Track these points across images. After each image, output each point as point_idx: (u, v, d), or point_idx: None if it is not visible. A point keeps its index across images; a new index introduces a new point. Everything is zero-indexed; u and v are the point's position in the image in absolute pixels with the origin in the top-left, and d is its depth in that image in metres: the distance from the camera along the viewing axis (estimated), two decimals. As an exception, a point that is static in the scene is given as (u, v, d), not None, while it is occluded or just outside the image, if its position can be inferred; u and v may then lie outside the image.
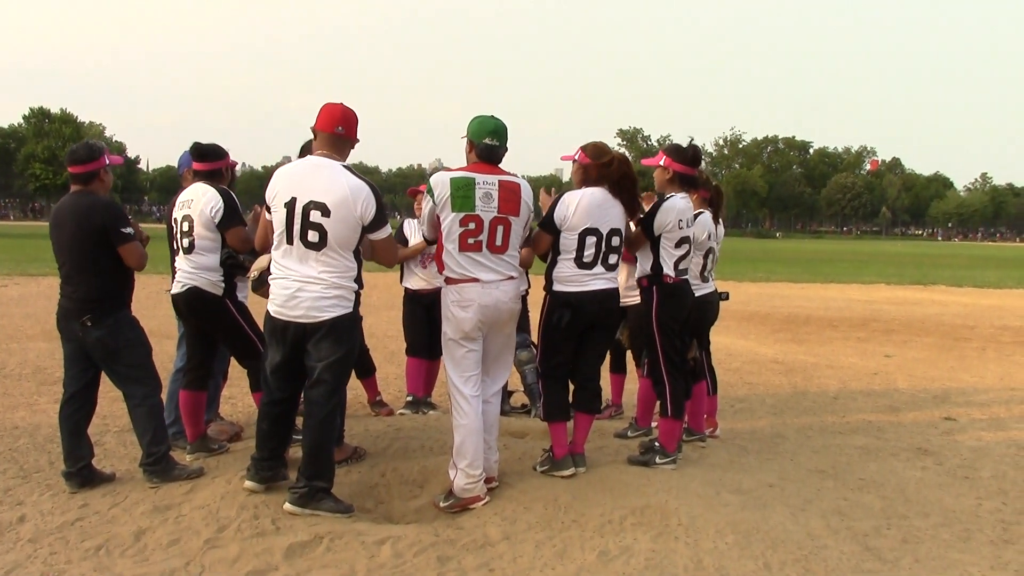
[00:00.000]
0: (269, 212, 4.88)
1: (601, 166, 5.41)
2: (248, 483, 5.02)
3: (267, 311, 4.91)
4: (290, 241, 4.75)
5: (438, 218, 4.99)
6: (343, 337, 4.82)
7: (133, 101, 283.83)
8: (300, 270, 4.74)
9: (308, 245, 4.71)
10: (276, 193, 4.80)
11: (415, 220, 7.67)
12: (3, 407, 7.47)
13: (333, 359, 4.79)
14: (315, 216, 4.68)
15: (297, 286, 4.73)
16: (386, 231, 4.87)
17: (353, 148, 5.04)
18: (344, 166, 4.85)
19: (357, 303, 4.93)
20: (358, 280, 4.90)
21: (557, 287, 5.40)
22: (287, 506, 4.80)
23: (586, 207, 5.30)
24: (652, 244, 5.72)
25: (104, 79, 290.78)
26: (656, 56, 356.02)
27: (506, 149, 5.17)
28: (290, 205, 4.72)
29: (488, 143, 5.07)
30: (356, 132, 5.00)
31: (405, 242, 7.64)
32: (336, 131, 4.87)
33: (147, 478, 5.30)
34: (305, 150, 5.75)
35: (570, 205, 5.31)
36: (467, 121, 5.17)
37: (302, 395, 5.08)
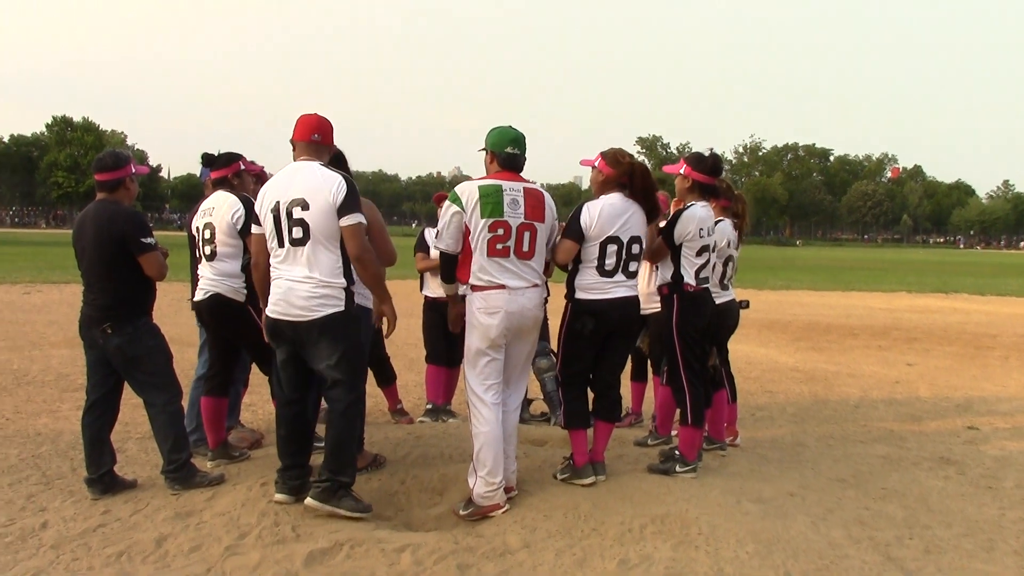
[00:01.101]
0: (259, 224, 5.00)
1: (620, 173, 5.42)
2: (278, 495, 5.04)
3: (266, 313, 5.00)
4: (281, 244, 4.88)
5: (467, 227, 5.01)
6: (339, 334, 4.87)
7: (155, 109, 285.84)
8: (291, 270, 4.85)
9: (294, 242, 4.82)
10: (262, 203, 4.96)
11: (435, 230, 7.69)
12: (26, 414, 7.53)
13: (337, 357, 4.85)
14: (297, 212, 4.80)
15: (288, 286, 4.84)
16: (355, 218, 4.81)
17: (330, 155, 5.16)
18: (321, 164, 4.96)
19: (350, 300, 4.95)
20: (348, 276, 4.93)
21: (580, 295, 5.40)
22: (308, 501, 4.84)
23: (607, 216, 5.30)
24: (673, 253, 5.72)
25: (126, 87, 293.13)
26: (675, 64, 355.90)
27: (526, 158, 5.22)
28: (275, 209, 4.85)
29: (510, 152, 5.13)
30: (332, 139, 5.14)
31: (427, 250, 7.68)
32: (313, 139, 5.02)
33: (168, 485, 5.33)
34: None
35: (592, 214, 5.31)
36: (486, 130, 5.25)
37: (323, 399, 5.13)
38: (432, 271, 7.62)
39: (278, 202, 4.85)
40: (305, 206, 4.79)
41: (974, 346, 13.98)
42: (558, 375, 5.60)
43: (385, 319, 5.14)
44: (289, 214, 4.81)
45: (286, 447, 5.10)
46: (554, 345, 7.63)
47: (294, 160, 5.04)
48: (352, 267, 4.94)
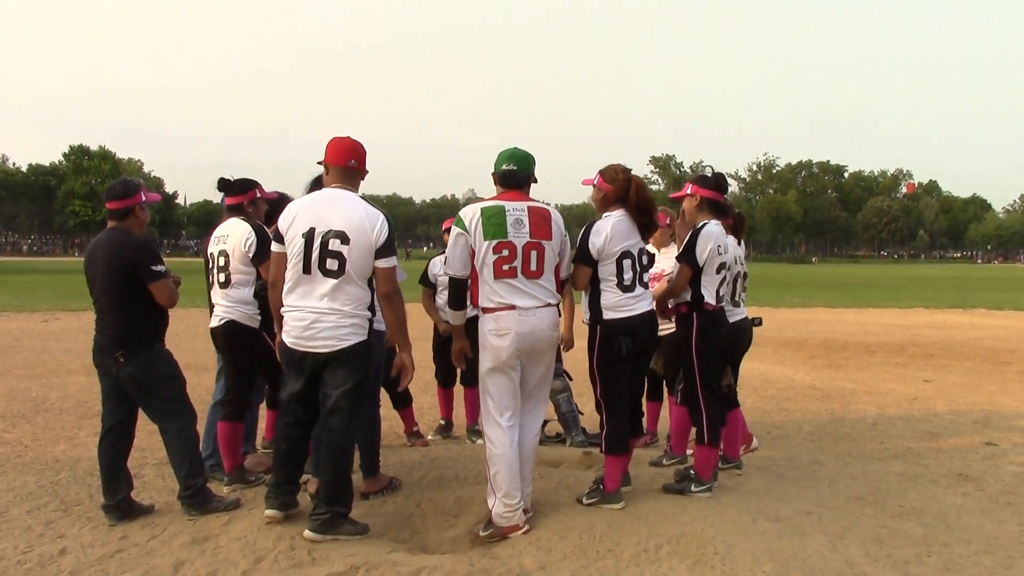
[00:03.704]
0: (281, 243, 4.96)
1: (618, 189, 5.44)
2: (269, 512, 5.05)
3: (282, 342, 4.98)
4: (307, 271, 4.85)
5: (472, 251, 5.02)
6: (360, 364, 4.90)
7: (171, 137, 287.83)
8: (315, 300, 4.84)
9: (327, 273, 4.81)
10: (291, 224, 4.91)
11: (440, 258, 7.81)
12: (44, 441, 7.58)
13: (349, 386, 4.88)
14: (334, 244, 4.79)
15: (313, 317, 4.83)
16: (391, 261, 4.92)
17: (363, 179, 5.17)
18: (360, 196, 4.98)
19: (371, 331, 4.99)
20: (371, 308, 4.98)
21: (610, 315, 5.36)
22: (308, 533, 4.83)
23: (618, 232, 5.33)
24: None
25: (142, 116, 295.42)
26: (688, 83, 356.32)
27: (528, 174, 5.22)
28: (308, 235, 4.83)
29: (506, 168, 5.16)
30: (365, 164, 5.13)
31: (432, 286, 7.76)
32: (349, 164, 5.01)
33: (185, 510, 5.35)
34: (316, 184, 5.86)
35: (602, 233, 5.33)
36: (499, 152, 5.27)
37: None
38: (431, 310, 7.75)
39: (312, 228, 4.83)
40: (345, 240, 4.79)
41: (992, 362, 13.91)
42: (601, 398, 5.52)
43: (403, 369, 5.16)
44: (324, 244, 4.80)
45: (286, 462, 5.12)
46: (569, 367, 7.65)
47: (325, 184, 5.05)
48: (376, 302, 4.99)
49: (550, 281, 5.16)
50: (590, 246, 5.35)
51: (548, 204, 5.38)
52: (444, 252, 7.86)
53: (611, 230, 5.33)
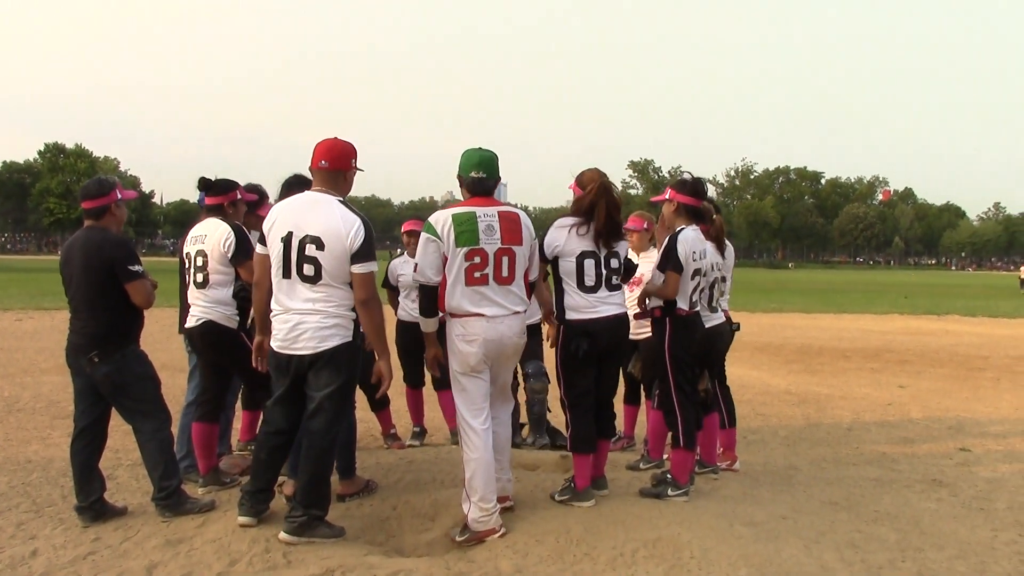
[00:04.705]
0: (264, 245, 4.95)
1: (589, 193, 5.45)
2: (242, 518, 5.02)
3: (271, 347, 4.96)
4: (287, 275, 4.83)
5: (444, 257, 4.99)
6: (343, 366, 4.87)
7: (148, 136, 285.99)
8: (298, 303, 4.82)
9: (304, 279, 4.79)
10: (272, 227, 4.90)
11: (400, 260, 7.77)
12: (17, 441, 7.50)
13: (332, 388, 4.85)
14: (310, 250, 4.76)
15: (297, 319, 4.81)
16: (368, 267, 4.83)
17: (348, 179, 5.04)
18: (340, 201, 4.92)
19: (356, 332, 4.96)
20: (355, 310, 4.93)
21: (570, 316, 5.41)
22: (283, 536, 4.80)
23: (578, 233, 5.38)
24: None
25: (119, 114, 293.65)
26: (668, 88, 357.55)
27: (496, 179, 5.19)
28: (287, 239, 4.81)
29: (475, 176, 5.11)
30: (347, 163, 5.00)
31: (394, 289, 7.71)
32: (320, 165, 4.94)
33: (159, 512, 5.31)
34: (287, 187, 5.82)
35: (562, 230, 5.41)
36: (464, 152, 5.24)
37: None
38: (403, 293, 7.65)
39: (291, 233, 4.81)
40: (320, 245, 4.75)
41: (966, 368, 14.02)
42: (563, 398, 5.56)
43: (382, 376, 5.06)
44: (301, 249, 4.77)
45: (264, 472, 5.09)
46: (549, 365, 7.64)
47: (312, 188, 5.01)
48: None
49: (520, 287, 5.15)
50: (547, 244, 5.42)
51: (517, 207, 5.38)
52: (403, 253, 7.86)
53: (570, 229, 5.39)
